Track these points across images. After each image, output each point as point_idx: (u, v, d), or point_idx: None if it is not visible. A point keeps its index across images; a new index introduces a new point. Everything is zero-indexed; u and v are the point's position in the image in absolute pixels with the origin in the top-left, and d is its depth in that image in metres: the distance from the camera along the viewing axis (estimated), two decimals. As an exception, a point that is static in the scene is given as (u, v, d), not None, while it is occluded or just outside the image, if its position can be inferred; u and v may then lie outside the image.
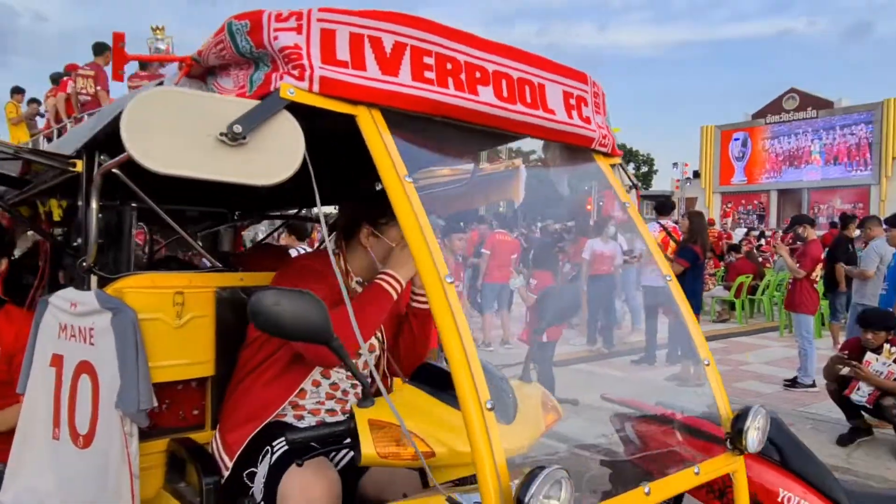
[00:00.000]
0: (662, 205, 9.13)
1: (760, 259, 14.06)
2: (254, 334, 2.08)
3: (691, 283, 7.13)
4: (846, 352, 5.43)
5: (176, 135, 1.13)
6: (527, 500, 1.11)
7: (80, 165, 2.06)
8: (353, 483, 1.94)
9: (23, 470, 2.09)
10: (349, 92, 1.26)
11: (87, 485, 1.92)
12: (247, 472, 1.88)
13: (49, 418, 2.08)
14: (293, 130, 1.20)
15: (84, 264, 2.04)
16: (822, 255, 7.57)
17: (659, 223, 8.65)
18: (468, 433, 1.14)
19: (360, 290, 2.14)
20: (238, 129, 1.14)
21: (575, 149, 1.85)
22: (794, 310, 7.26)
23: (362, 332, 1.73)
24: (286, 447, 1.84)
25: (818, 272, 7.33)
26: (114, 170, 2.05)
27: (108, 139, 1.99)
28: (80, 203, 2.07)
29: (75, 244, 2.25)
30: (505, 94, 1.48)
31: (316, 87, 1.23)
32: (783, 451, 2.54)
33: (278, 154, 1.19)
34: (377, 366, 2.13)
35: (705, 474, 1.76)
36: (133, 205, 2.09)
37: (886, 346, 5.18)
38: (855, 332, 6.05)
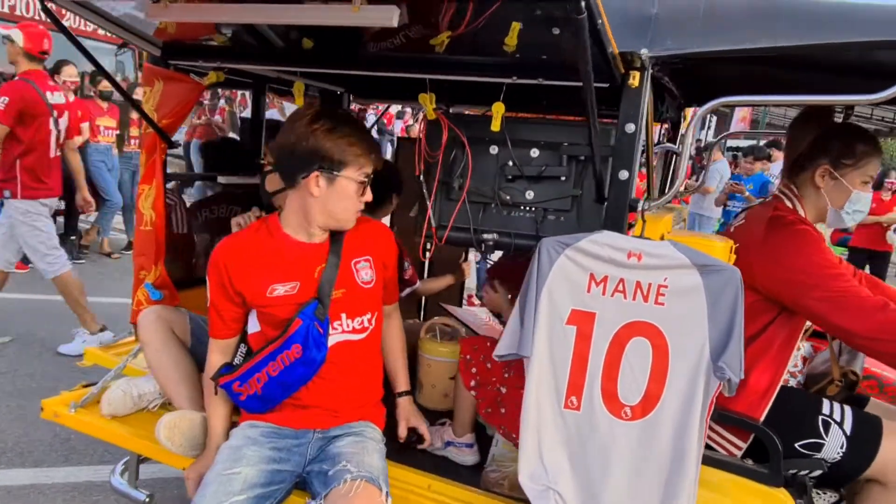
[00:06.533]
0: None
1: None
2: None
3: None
4: None
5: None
6: None
7: (636, 78, 1.61)
8: None
9: (532, 443, 1.72)
10: None
11: (643, 461, 1.69)
12: (799, 443, 1.88)
13: (561, 385, 1.73)
14: None
15: (642, 207, 1.67)
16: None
17: None
18: None
19: None
20: None
21: None
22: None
23: None
24: (854, 414, 1.89)
25: (680, 186, 8.64)
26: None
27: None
28: (632, 127, 1.64)
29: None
30: None
31: None
32: None
33: None
34: None
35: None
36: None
37: None
38: None
